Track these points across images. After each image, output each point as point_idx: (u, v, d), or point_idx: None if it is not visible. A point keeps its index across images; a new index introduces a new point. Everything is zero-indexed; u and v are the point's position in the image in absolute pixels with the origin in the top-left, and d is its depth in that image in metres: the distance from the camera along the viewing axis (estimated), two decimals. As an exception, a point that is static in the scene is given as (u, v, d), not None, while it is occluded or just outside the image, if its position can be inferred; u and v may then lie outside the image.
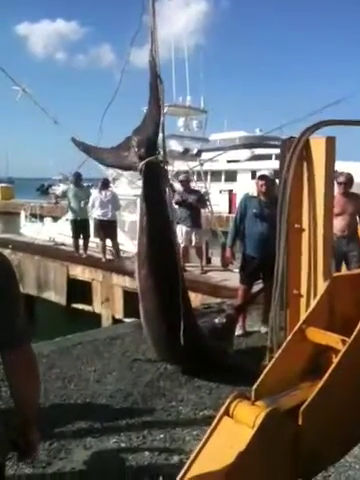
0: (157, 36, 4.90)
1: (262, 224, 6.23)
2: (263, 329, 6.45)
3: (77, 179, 12.14)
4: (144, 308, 5.10)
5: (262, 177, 6.28)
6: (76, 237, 12.15)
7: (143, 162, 4.74)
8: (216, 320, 5.65)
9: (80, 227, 11.95)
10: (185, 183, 10.31)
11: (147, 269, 4.88)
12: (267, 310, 6.30)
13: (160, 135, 5.01)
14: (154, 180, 4.86)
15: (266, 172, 6.38)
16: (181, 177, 10.66)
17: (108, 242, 11.69)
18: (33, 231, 15.55)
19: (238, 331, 6.46)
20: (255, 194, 6.39)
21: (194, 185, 12.82)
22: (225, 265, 10.36)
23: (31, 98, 12.54)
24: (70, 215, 12.28)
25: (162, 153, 4.98)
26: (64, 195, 12.49)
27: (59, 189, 27.72)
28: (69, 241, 12.71)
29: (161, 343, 5.19)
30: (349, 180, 7.19)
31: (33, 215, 18.72)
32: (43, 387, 4.81)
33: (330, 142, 2.54)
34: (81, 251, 12.20)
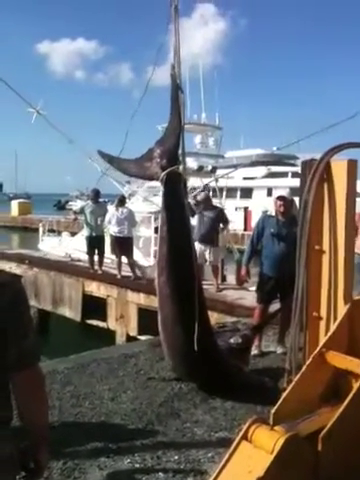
0: (180, 50, 4.98)
1: (279, 244, 6.20)
2: (279, 349, 6.39)
3: (96, 195, 12.22)
4: (162, 315, 5.11)
5: (281, 198, 6.25)
6: (91, 253, 12.19)
7: (165, 172, 4.84)
8: (232, 340, 5.61)
9: (95, 243, 11.99)
10: (207, 201, 10.32)
11: (166, 276, 4.93)
12: (283, 330, 6.27)
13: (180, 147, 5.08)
14: (175, 190, 4.95)
15: (284, 192, 6.36)
16: (202, 195, 10.67)
17: (124, 259, 11.71)
18: (51, 246, 15.65)
19: (254, 351, 6.40)
20: (273, 213, 6.37)
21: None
22: (240, 283, 10.32)
23: (45, 119, 12.75)
24: (85, 231, 12.34)
25: (182, 164, 5.07)
26: (82, 211, 12.51)
27: (77, 205, 27.96)
28: (85, 257, 12.75)
29: (177, 351, 5.14)
30: None
31: (51, 230, 18.85)
32: (57, 405, 4.82)
33: (352, 165, 2.54)
34: (96, 267, 12.23)
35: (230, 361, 5.32)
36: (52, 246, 15.60)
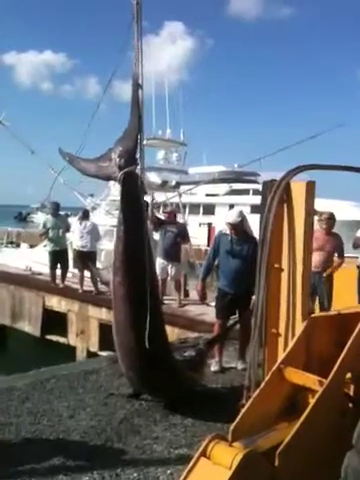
0: (142, 50, 4.95)
1: (234, 260, 6.34)
2: (240, 365, 6.44)
3: (56, 209, 12.07)
4: (116, 316, 5.02)
5: (229, 224, 6.39)
6: (53, 267, 12.02)
7: (122, 172, 4.80)
8: (185, 353, 5.61)
9: (58, 257, 11.84)
10: (171, 215, 10.38)
11: (121, 277, 4.86)
12: (243, 346, 6.34)
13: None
14: (132, 190, 4.91)
15: (232, 217, 6.40)
16: (168, 209, 10.75)
17: (86, 273, 11.59)
18: (10, 259, 15.38)
19: (214, 367, 6.44)
20: (227, 231, 6.48)
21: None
22: (202, 299, 10.39)
23: (8, 129, 12.66)
24: (48, 246, 12.12)
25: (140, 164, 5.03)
26: (45, 228, 12.16)
27: (38, 217, 27.63)
28: (46, 270, 12.55)
29: (129, 353, 5.04)
30: (332, 218, 7.61)
31: (10, 242, 18.55)
32: (15, 422, 4.72)
33: (310, 186, 2.63)
34: (58, 281, 12.07)
35: (184, 371, 5.32)
36: (11, 258, 15.33)
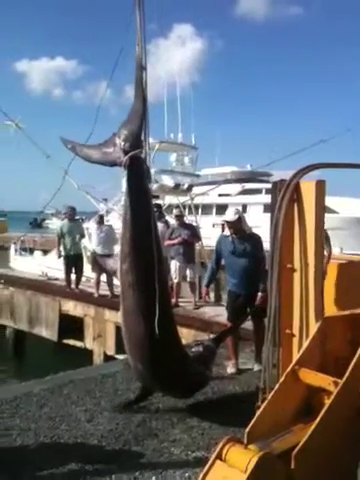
0: (144, 30, 4.84)
1: (239, 259, 6.32)
2: (256, 367, 6.42)
3: (72, 213, 12.12)
4: (124, 305, 4.91)
5: (226, 222, 6.39)
6: (68, 272, 12.08)
7: (127, 156, 4.71)
8: (193, 349, 5.59)
9: (73, 262, 11.90)
10: (180, 218, 10.39)
11: (129, 264, 4.76)
12: (259, 347, 6.31)
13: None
14: (138, 174, 4.82)
15: (230, 215, 6.36)
16: (175, 212, 10.75)
17: (102, 277, 11.63)
18: (23, 265, 15.51)
19: (231, 369, 6.43)
20: (228, 233, 6.46)
21: (186, 219, 12.90)
22: (216, 299, 10.43)
23: (24, 133, 12.75)
24: (63, 250, 12.17)
25: (146, 148, 4.91)
26: (61, 232, 12.16)
27: (53, 223, 27.85)
28: (62, 276, 12.63)
29: (138, 344, 4.89)
30: None
31: (23, 249, 18.69)
32: (33, 427, 4.75)
33: (320, 185, 2.61)
34: (73, 286, 12.13)
35: (193, 362, 5.26)
36: (25, 265, 15.47)
